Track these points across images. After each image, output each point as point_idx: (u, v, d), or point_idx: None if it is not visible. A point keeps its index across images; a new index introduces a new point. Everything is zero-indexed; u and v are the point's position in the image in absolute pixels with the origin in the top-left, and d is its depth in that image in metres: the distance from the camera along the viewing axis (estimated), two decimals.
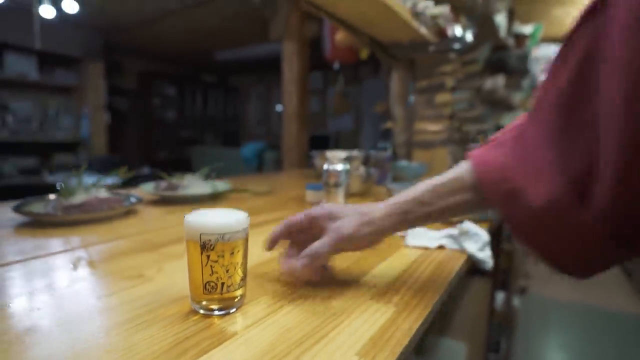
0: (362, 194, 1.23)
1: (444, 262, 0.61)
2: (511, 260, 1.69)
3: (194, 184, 1.06)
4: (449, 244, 0.67)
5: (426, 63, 1.90)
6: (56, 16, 2.80)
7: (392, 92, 2.13)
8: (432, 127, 1.94)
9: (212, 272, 0.39)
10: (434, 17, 1.39)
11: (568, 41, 0.39)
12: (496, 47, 2.85)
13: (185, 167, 5.01)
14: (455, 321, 1.31)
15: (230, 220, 0.40)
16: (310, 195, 1.05)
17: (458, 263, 0.60)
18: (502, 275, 1.66)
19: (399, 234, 0.71)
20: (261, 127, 6.39)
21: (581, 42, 0.37)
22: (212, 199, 1.05)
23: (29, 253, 0.60)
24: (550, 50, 3.25)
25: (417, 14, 1.30)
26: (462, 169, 0.48)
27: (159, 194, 0.99)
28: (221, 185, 1.12)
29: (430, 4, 1.41)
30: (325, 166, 0.98)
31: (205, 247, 0.38)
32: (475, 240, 0.65)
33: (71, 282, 0.49)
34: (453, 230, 0.69)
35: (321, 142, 5.07)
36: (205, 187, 1.04)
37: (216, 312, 0.40)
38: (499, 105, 3.29)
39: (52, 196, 0.84)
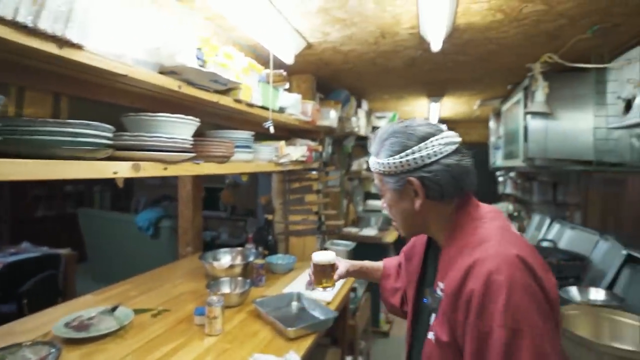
0: (239, 305, 1.64)
1: None
2: (355, 332, 2.26)
3: (102, 320, 1.35)
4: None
5: (297, 170, 2.43)
6: None
7: (272, 188, 2.62)
8: (303, 220, 2.47)
9: None
10: (296, 159, 1.92)
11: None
12: (359, 138, 3.60)
13: (72, 225, 4.75)
14: None
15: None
16: (197, 319, 1.43)
17: None
18: (349, 343, 2.22)
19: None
20: (155, 179, 6.36)
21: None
22: (120, 330, 1.35)
23: None
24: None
25: (279, 164, 1.80)
26: (381, 263, 1.23)
27: (72, 336, 1.26)
28: (124, 314, 1.42)
29: (293, 149, 1.94)
30: (207, 300, 1.37)
31: None
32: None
33: None
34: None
35: (217, 196, 5.32)
36: (113, 323, 1.34)
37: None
38: (366, 179, 4.05)
39: None
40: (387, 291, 1.16)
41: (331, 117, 2.26)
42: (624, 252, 1.81)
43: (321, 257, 1.15)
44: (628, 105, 1.92)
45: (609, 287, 1.85)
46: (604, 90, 2.11)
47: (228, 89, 1.34)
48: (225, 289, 1.72)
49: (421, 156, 0.77)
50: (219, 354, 1.26)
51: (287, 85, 1.70)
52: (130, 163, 0.95)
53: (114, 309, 1.42)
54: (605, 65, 1.73)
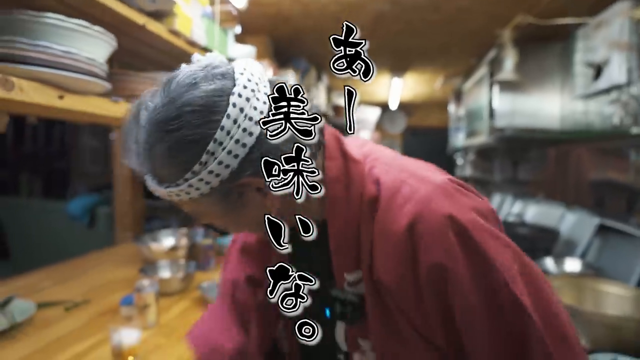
0: (181, 292, 1.35)
1: None
2: None
3: None
4: None
5: None
6: None
7: None
8: None
9: None
10: None
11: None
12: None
13: None
14: None
15: None
16: (123, 310, 1.12)
17: None
18: None
19: None
20: (97, 165, 5.73)
21: None
22: (13, 330, 1.02)
23: None
24: (367, 113, 3.97)
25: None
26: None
27: None
28: (21, 309, 1.08)
29: None
30: (136, 285, 1.08)
31: None
32: None
33: None
34: None
35: None
36: (1, 321, 1.01)
37: None
38: None
39: None
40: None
41: (290, 81, 2.01)
42: (597, 220, 1.74)
43: None
44: (598, 71, 1.86)
45: (581, 257, 1.78)
46: (571, 59, 2.04)
47: (159, 13, 1.05)
48: (164, 274, 1.42)
49: (236, 141, 0.44)
50: (150, 350, 0.97)
51: (238, 30, 1.42)
52: None
53: (5, 303, 1.08)
54: (584, 21, 1.63)
